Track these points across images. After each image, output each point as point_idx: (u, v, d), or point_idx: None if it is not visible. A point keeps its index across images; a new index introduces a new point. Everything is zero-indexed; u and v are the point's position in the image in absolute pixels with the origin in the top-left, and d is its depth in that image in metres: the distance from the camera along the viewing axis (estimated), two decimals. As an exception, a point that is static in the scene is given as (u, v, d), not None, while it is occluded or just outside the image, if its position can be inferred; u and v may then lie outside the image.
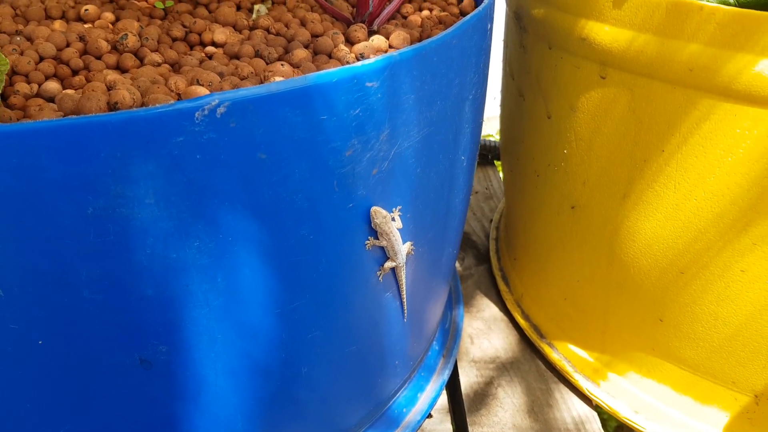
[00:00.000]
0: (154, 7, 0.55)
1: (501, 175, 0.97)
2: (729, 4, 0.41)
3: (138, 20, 0.51)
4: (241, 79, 0.39)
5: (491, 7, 0.46)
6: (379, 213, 0.38)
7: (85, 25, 0.50)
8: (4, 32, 0.48)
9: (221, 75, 0.38)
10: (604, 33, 0.44)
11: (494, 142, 1.01)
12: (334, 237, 0.36)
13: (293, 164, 0.32)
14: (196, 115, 0.28)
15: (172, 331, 0.33)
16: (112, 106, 0.32)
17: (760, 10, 0.42)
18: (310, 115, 0.31)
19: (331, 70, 0.31)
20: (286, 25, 0.50)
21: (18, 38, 0.45)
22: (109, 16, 0.52)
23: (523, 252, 0.67)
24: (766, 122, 0.39)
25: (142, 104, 0.33)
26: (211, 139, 0.29)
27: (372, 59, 0.33)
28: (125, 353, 0.33)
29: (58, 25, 0.49)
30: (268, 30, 0.50)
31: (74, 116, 0.28)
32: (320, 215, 0.35)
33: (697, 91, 0.40)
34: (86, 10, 0.51)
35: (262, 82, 0.38)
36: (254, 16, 0.54)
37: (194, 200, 0.30)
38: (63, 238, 0.28)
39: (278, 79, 0.37)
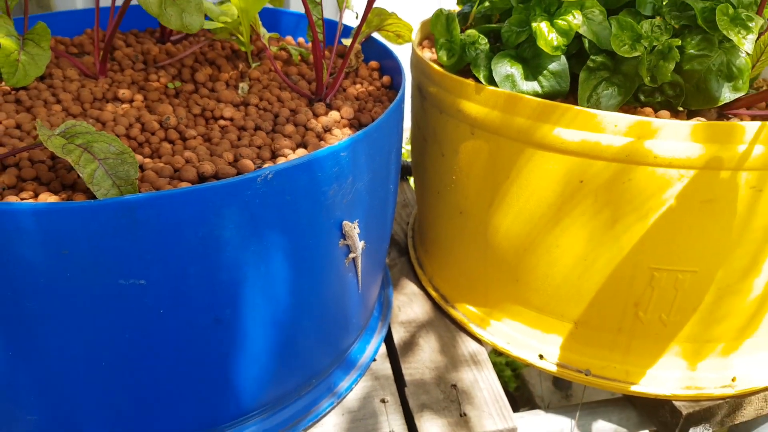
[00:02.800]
0: (167, 87, 0.78)
1: (413, 188, 1.24)
2: (538, 94, 0.71)
3: (159, 100, 0.74)
4: (258, 148, 0.63)
5: (404, 92, 0.73)
6: (347, 224, 0.64)
7: (123, 106, 0.73)
8: (73, 115, 0.69)
9: (249, 147, 0.63)
10: (472, 107, 0.73)
11: (409, 162, 1.29)
12: (323, 240, 0.62)
13: (301, 201, 0.57)
14: (258, 179, 0.52)
15: (235, 300, 0.58)
16: (200, 175, 0.56)
17: (558, 95, 0.72)
18: (311, 174, 0.57)
19: (323, 149, 0.57)
20: (269, 102, 0.75)
21: (90, 121, 0.67)
22: (139, 97, 0.74)
23: (431, 245, 0.95)
24: (561, 162, 0.68)
25: (215, 172, 0.57)
26: (264, 191, 0.53)
27: (343, 138, 0.59)
28: (208, 314, 0.57)
29: (111, 107, 0.71)
30: (257, 106, 0.74)
31: (201, 185, 0.51)
32: (315, 228, 0.60)
33: (524, 144, 0.70)
34: (123, 93, 0.74)
35: (273, 152, 0.63)
36: (240, 92, 0.79)
37: (253, 225, 0.54)
38: (194, 247, 0.52)
39: (287, 150, 0.62)
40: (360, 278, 0.71)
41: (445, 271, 0.93)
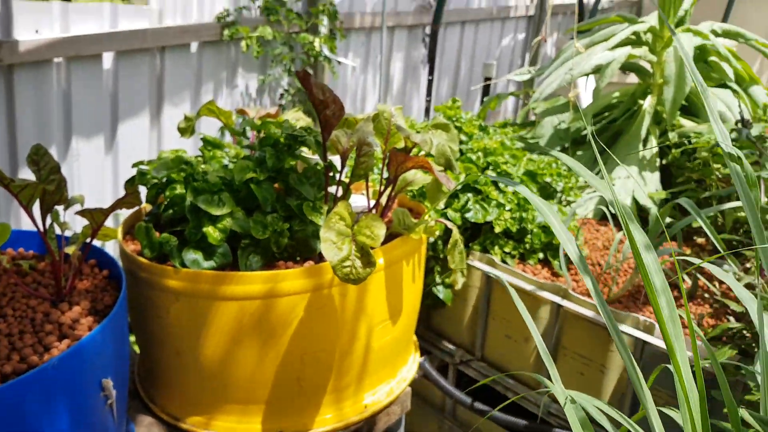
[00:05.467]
0: None
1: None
2: (215, 268, 1.15)
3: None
4: (32, 346, 0.91)
5: (125, 281, 1.09)
6: (106, 382, 0.96)
7: None
8: None
9: (26, 347, 0.91)
10: (174, 283, 1.13)
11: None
12: (92, 395, 0.93)
13: (77, 373, 0.89)
14: (48, 368, 0.83)
15: (38, 453, 0.84)
16: (3, 374, 0.83)
17: (227, 266, 1.17)
18: (81, 355, 0.89)
19: (85, 337, 0.90)
20: (23, 310, 1.02)
21: None
22: None
23: (159, 382, 1.29)
24: (237, 306, 1.12)
25: (14, 370, 0.84)
26: (53, 374, 0.84)
27: (92, 325, 0.92)
28: None
29: None
30: (14, 316, 1.01)
31: (11, 381, 0.79)
32: (87, 388, 0.91)
33: (212, 300, 1.12)
34: None
35: (45, 347, 0.92)
36: (-11, 305, 1.03)
37: (47, 397, 0.84)
38: (7, 418, 0.79)
39: (55, 343, 0.93)
40: (116, 415, 1.02)
41: (172, 398, 1.27)
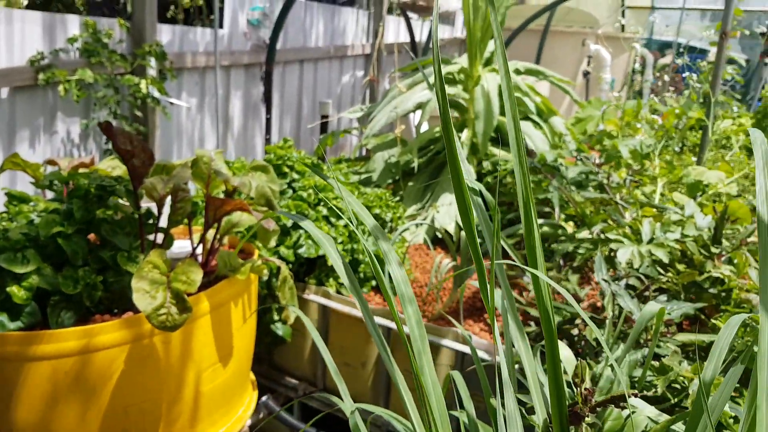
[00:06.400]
0: None
1: None
2: (22, 328, 1.09)
3: None
4: None
5: None
6: None
7: None
8: None
9: None
10: (-28, 350, 1.05)
11: None
12: None
13: None
14: None
15: None
16: None
17: (38, 325, 1.11)
18: None
19: None
20: None
21: None
22: None
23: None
24: (52, 365, 1.07)
25: None
26: None
27: None
28: None
29: None
30: None
31: None
32: None
33: (23, 361, 1.06)
34: None
35: None
36: None
37: None
38: None
39: None
40: None
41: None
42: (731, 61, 4.19)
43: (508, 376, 0.68)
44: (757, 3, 5.79)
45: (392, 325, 1.59)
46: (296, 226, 1.76)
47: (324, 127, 3.06)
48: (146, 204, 1.30)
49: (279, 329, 1.70)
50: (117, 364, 1.12)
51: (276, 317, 1.71)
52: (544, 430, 0.66)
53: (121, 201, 1.29)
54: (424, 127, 2.70)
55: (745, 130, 3.53)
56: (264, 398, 1.76)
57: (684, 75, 3.16)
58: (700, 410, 0.68)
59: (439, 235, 2.21)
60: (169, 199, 1.23)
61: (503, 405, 0.66)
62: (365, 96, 4.97)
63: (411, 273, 1.94)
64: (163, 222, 1.27)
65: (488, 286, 0.71)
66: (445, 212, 2.25)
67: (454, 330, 1.52)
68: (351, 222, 0.72)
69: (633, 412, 0.84)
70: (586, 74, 5.83)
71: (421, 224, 2.23)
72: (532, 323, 1.54)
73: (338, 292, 1.76)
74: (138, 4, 2.55)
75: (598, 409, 0.65)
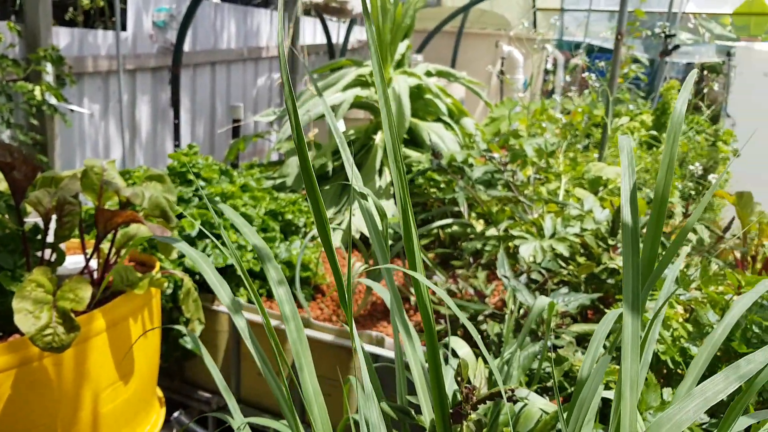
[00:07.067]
0: None
1: None
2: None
3: None
4: None
5: None
6: None
7: None
8: None
9: None
10: None
11: None
12: None
13: None
14: None
15: None
16: None
17: None
18: None
19: None
20: None
21: None
22: None
23: None
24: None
25: None
26: None
27: None
28: None
29: None
30: None
31: None
32: None
33: None
34: None
35: None
36: None
37: None
38: None
39: None
40: None
41: None
42: (636, 60, 4.44)
43: (398, 377, 0.69)
44: (659, 5, 6.17)
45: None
46: (202, 236, 1.72)
47: (236, 132, 3.00)
48: (34, 219, 1.22)
49: (188, 343, 1.65)
50: (3, 389, 1.05)
51: (184, 331, 1.66)
52: (430, 430, 0.68)
53: (5, 217, 1.21)
54: (342, 128, 2.70)
55: (647, 126, 3.76)
56: (176, 414, 1.70)
57: (584, 74, 3.33)
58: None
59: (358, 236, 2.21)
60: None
61: (366, 416, 0.66)
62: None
63: (324, 278, 1.94)
64: (52, 237, 1.20)
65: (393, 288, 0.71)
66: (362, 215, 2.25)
67: (368, 333, 1.53)
68: (230, 249, 0.71)
69: (525, 405, 0.87)
70: (501, 75, 6.02)
71: (336, 229, 2.22)
72: (442, 321, 1.57)
73: (249, 301, 1.72)
74: (30, 5, 2.40)
75: (479, 406, 0.67)
